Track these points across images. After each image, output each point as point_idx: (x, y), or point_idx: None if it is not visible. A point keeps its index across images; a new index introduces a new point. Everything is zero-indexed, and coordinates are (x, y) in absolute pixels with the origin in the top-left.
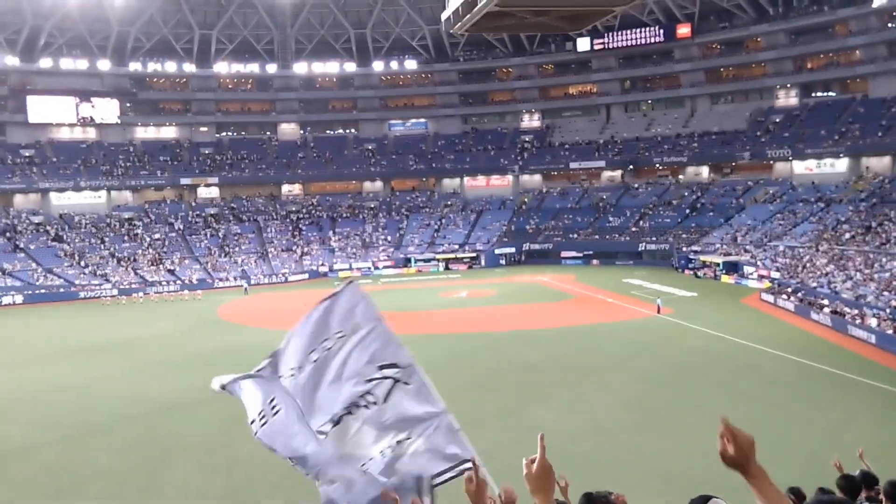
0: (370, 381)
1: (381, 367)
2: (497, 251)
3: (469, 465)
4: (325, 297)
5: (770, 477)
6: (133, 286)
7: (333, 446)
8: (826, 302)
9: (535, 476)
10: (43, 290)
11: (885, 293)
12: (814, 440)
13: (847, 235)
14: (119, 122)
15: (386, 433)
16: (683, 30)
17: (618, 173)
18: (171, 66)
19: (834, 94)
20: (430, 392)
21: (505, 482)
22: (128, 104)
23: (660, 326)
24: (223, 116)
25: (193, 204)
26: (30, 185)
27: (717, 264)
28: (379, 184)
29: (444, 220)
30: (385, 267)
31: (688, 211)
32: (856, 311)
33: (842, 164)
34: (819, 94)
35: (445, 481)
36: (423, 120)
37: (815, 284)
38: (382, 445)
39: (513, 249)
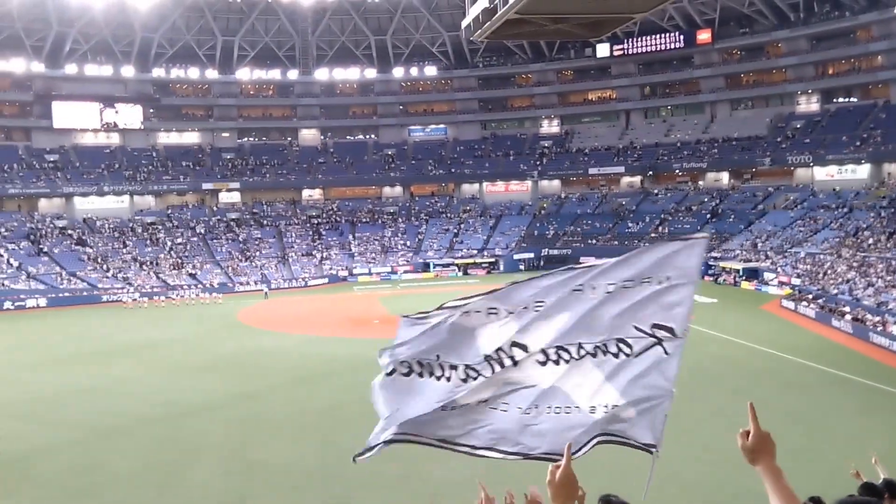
0: (638, 330)
1: (655, 326)
2: (516, 256)
3: (655, 453)
4: (673, 239)
5: (786, 478)
6: (155, 290)
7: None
8: (847, 309)
9: (559, 484)
10: (66, 294)
11: None
12: (834, 448)
13: (869, 242)
14: (142, 127)
15: (611, 390)
16: (703, 35)
17: (637, 179)
18: (193, 73)
19: (855, 99)
20: (675, 369)
21: (531, 485)
22: (151, 110)
23: None
24: (245, 122)
25: (215, 209)
26: (54, 189)
27: (737, 270)
28: (398, 189)
29: (462, 226)
30: (404, 272)
31: (708, 217)
32: (877, 318)
33: (863, 171)
34: (840, 99)
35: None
36: (442, 126)
37: (835, 291)
38: (599, 401)
39: (531, 255)
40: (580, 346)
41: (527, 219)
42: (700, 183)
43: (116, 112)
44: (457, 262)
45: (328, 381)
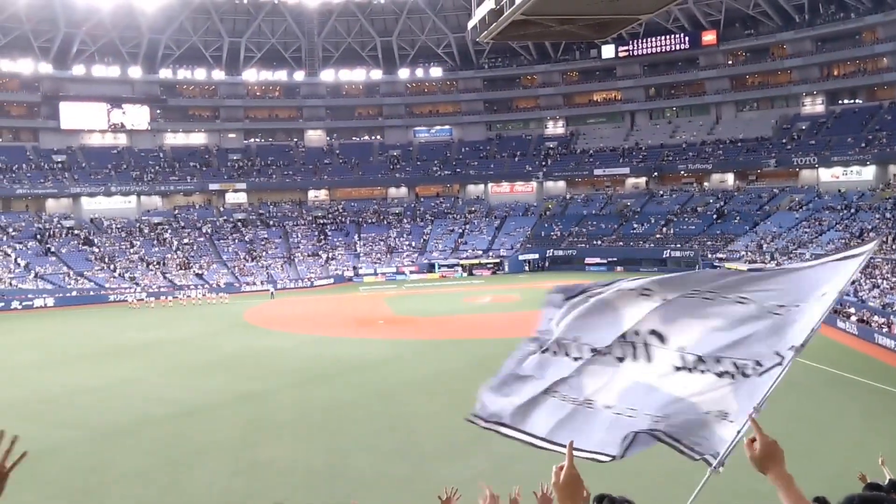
0: (777, 354)
1: (792, 348)
2: (521, 257)
3: (713, 466)
4: (837, 252)
5: (797, 484)
6: (162, 290)
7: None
8: (852, 310)
9: (563, 484)
10: (74, 293)
11: None
12: (839, 449)
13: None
14: (149, 128)
15: (735, 408)
16: (709, 37)
17: (642, 180)
18: (200, 74)
19: (861, 101)
20: (768, 390)
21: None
22: (158, 111)
23: None
24: (251, 123)
25: (221, 209)
26: (62, 189)
27: (743, 272)
28: (404, 190)
29: (468, 226)
30: (410, 272)
31: (713, 218)
32: (883, 320)
33: (868, 172)
34: (846, 101)
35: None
36: (447, 127)
37: None
38: (717, 409)
39: (536, 255)
40: (718, 361)
41: (532, 220)
42: (705, 184)
43: (123, 113)
44: (462, 262)
45: (333, 380)
